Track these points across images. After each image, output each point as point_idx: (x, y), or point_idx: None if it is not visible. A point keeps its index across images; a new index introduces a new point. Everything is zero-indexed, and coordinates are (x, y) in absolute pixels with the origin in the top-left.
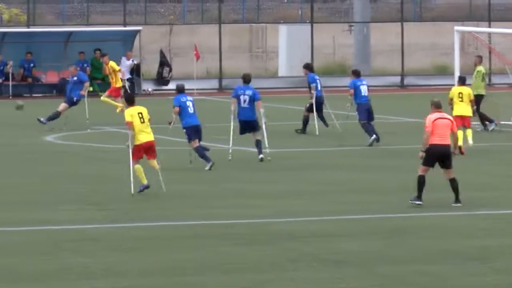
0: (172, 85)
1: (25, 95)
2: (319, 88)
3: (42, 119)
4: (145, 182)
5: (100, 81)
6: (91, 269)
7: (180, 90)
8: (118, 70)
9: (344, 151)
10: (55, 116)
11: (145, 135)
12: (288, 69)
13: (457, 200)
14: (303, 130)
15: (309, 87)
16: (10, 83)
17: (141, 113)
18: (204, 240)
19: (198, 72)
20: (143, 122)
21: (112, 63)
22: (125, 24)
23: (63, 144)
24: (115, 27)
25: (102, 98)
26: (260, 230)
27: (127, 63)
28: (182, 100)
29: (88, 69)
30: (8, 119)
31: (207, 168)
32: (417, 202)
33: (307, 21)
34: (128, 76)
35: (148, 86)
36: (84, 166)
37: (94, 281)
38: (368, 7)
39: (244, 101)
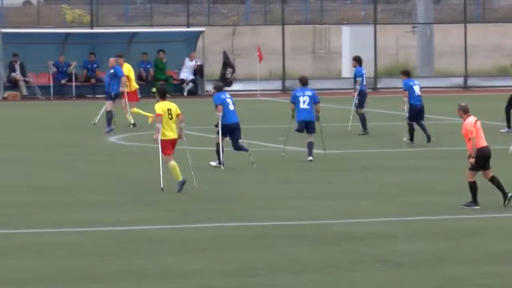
0: (236, 86)
1: (88, 96)
2: (364, 83)
3: (106, 129)
4: (180, 178)
5: (164, 82)
6: (153, 270)
7: (219, 88)
8: (127, 75)
9: (403, 153)
10: (110, 117)
11: (172, 132)
12: (352, 70)
13: (505, 194)
14: (364, 129)
15: (355, 80)
16: (73, 84)
17: (170, 109)
18: (267, 241)
19: (261, 73)
20: (171, 118)
21: (124, 67)
22: (188, 25)
23: (126, 145)
24: (178, 28)
25: (132, 110)
26: (322, 231)
27: (190, 64)
28: (222, 97)
29: (151, 70)
30: (73, 120)
31: (212, 163)
32: (475, 207)
33: (370, 22)
34: (191, 77)
35: (211, 87)
36: (147, 167)
37: (156, 282)
38: (431, 8)
39: (304, 101)
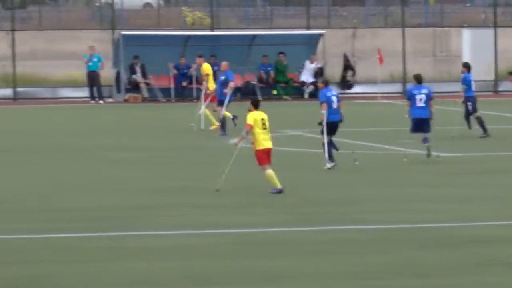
0: (356, 89)
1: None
2: (473, 88)
3: (220, 132)
4: (278, 186)
5: (284, 85)
6: (274, 272)
7: (326, 83)
8: (206, 74)
9: None
10: (223, 122)
11: (266, 141)
12: (472, 73)
13: None
14: (485, 131)
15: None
16: (194, 86)
17: (263, 119)
18: (389, 244)
19: (382, 76)
20: (265, 128)
21: (203, 66)
22: (308, 28)
23: (247, 147)
24: (298, 30)
25: (201, 110)
26: (444, 234)
27: (310, 66)
28: (327, 94)
29: (272, 72)
30: (194, 122)
31: (327, 166)
32: None
33: (490, 25)
34: (312, 79)
35: None
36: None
37: (278, 284)
38: None
39: (420, 99)
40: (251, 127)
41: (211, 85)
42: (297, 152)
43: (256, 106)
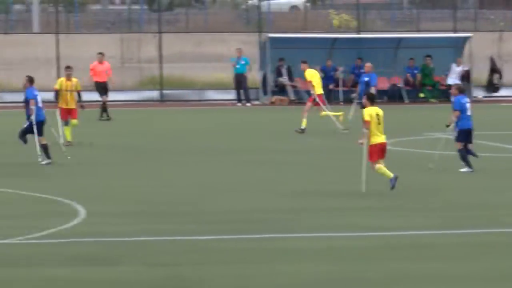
0: (502, 92)
1: (356, 101)
2: None
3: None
4: (391, 175)
5: (430, 88)
6: (424, 275)
7: (462, 91)
8: (309, 81)
9: None
10: None
11: (380, 137)
12: None
13: None
14: None
15: None
16: (340, 89)
17: (378, 115)
18: None
19: None
20: (379, 124)
21: (306, 73)
22: (455, 31)
23: (391, 150)
24: (444, 33)
25: (321, 114)
26: None
27: (457, 69)
28: (462, 102)
29: (418, 75)
30: (343, 124)
31: (462, 170)
32: None
33: None
34: (458, 82)
35: (478, 93)
36: (416, 174)
37: (431, 287)
38: None
39: None
40: (369, 123)
41: (318, 90)
42: (442, 155)
43: (371, 101)
